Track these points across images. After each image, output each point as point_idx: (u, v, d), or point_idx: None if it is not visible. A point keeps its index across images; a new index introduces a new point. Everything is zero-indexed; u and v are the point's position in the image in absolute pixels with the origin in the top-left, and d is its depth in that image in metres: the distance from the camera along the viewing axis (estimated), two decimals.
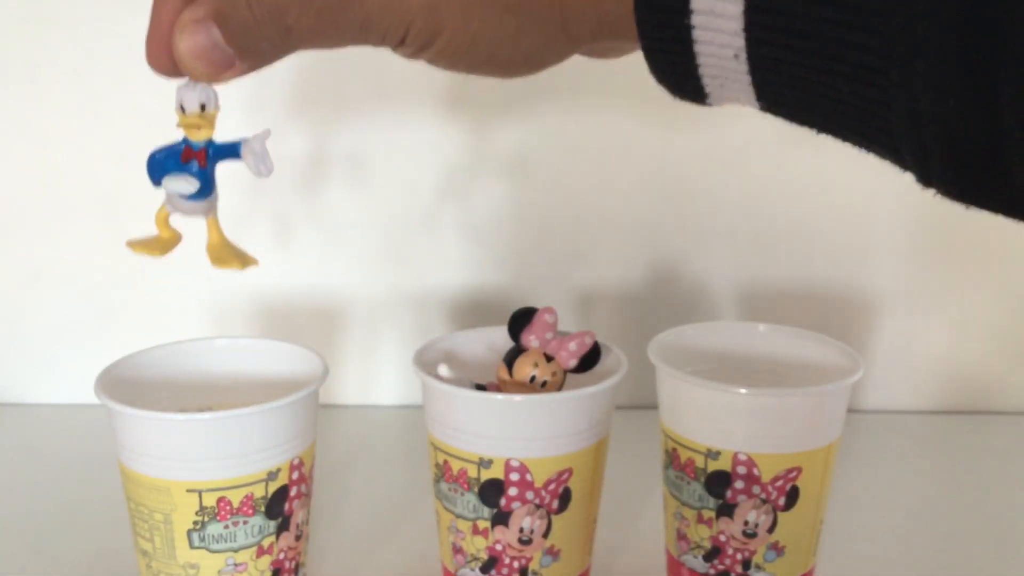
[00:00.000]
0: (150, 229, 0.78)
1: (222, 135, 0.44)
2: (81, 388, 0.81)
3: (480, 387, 0.51)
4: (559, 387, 0.52)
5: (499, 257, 0.80)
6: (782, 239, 0.79)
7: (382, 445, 0.77)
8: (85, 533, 0.63)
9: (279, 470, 0.48)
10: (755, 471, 0.50)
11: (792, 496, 0.51)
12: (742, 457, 0.50)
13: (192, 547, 0.47)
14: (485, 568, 0.51)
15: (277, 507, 0.49)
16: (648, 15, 0.30)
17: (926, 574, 0.60)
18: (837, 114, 0.29)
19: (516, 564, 0.50)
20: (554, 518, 0.50)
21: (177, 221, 0.45)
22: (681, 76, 0.32)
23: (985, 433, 0.79)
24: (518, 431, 0.48)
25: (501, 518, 0.49)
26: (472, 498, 0.50)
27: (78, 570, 0.59)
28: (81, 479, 0.69)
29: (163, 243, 0.46)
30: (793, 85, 0.29)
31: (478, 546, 0.51)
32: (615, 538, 0.61)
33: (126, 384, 0.51)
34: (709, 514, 0.52)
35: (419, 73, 0.75)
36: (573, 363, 0.52)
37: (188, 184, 0.42)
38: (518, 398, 0.48)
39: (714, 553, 0.52)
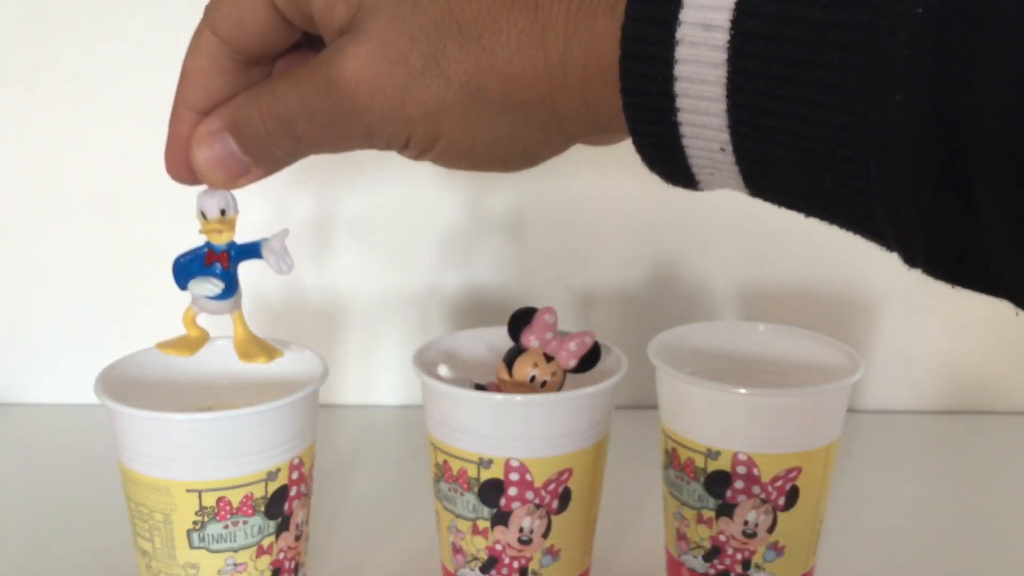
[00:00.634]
0: (150, 229, 0.78)
1: None
2: (81, 388, 0.81)
3: (480, 387, 0.51)
4: (559, 387, 0.52)
5: (499, 257, 0.80)
6: (782, 239, 0.79)
7: (382, 445, 0.77)
8: (85, 533, 0.63)
9: (279, 470, 0.48)
10: (755, 471, 0.50)
11: (792, 496, 0.51)
12: (742, 457, 0.50)
13: (192, 547, 0.47)
14: (485, 568, 0.51)
15: (277, 507, 0.49)
16: (636, 113, 0.32)
17: (926, 574, 0.60)
18: (822, 201, 0.31)
19: (516, 564, 0.50)
20: (554, 518, 0.50)
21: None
22: (671, 167, 0.33)
23: (985, 433, 0.79)
24: (518, 431, 0.48)
25: (501, 518, 0.49)
26: (472, 498, 0.50)
27: (78, 570, 0.59)
28: (81, 479, 0.69)
29: (192, 343, 0.48)
30: (779, 175, 0.30)
31: (478, 546, 0.51)
32: (615, 538, 0.61)
33: (126, 384, 0.51)
34: (709, 514, 0.52)
35: None
36: (573, 363, 0.52)
37: (213, 286, 0.45)
38: (518, 398, 0.48)
39: (714, 553, 0.52)
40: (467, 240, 0.79)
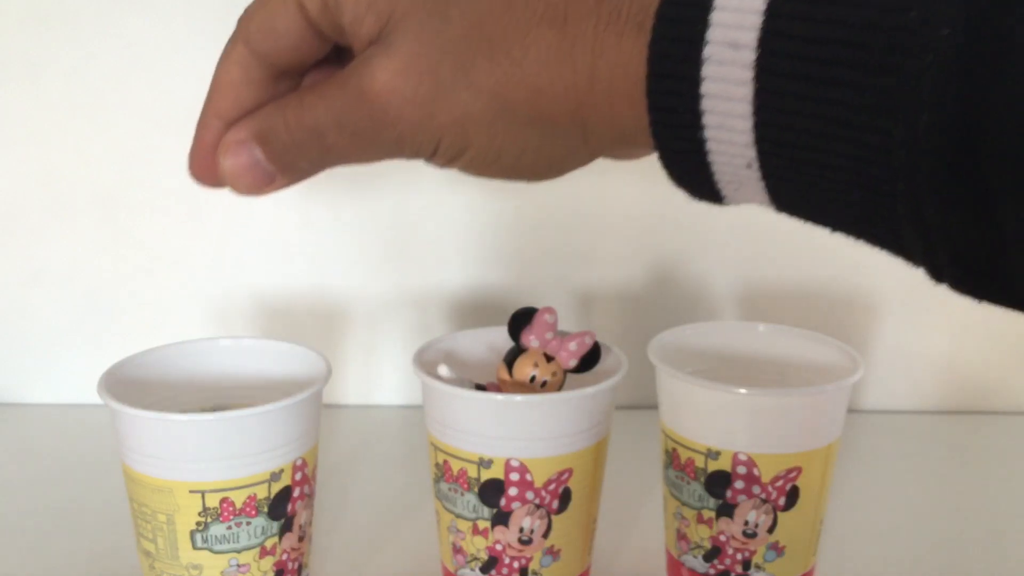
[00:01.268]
0: (150, 229, 0.78)
1: None
2: (81, 388, 0.82)
3: (480, 387, 0.51)
4: (559, 387, 0.52)
5: (499, 257, 0.80)
6: (782, 239, 0.79)
7: (383, 445, 0.77)
8: (85, 533, 0.63)
9: (282, 471, 0.48)
10: (755, 471, 0.50)
11: (792, 496, 0.51)
12: (742, 457, 0.50)
13: (195, 548, 0.48)
14: (485, 568, 0.51)
15: (280, 508, 0.49)
16: (663, 130, 0.32)
17: (926, 574, 0.60)
18: (849, 219, 0.31)
19: (516, 564, 0.50)
20: (554, 518, 0.50)
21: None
22: (697, 183, 0.34)
23: (985, 433, 0.79)
24: (518, 431, 0.48)
25: (501, 518, 0.49)
26: (472, 498, 0.50)
27: (78, 570, 0.59)
28: (81, 479, 0.69)
29: None
30: (805, 192, 0.31)
31: (478, 546, 0.51)
32: (615, 538, 0.61)
33: (129, 384, 0.51)
34: (709, 514, 0.52)
35: None
36: (573, 363, 0.52)
37: None
38: (518, 398, 0.48)
39: (714, 553, 0.52)
40: (467, 240, 0.79)
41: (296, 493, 0.49)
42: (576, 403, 0.49)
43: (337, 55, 0.40)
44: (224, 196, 0.80)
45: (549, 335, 0.52)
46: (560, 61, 0.34)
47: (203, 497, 0.47)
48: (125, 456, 0.48)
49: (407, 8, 0.35)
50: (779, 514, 0.51)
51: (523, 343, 0.52)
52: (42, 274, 0.80)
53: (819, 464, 0.51)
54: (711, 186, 0.33)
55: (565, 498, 0.50)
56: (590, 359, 0.52)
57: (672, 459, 0.53)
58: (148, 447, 0.47)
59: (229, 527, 0.47)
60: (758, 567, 0.52)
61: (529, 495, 0.49)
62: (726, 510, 0.51)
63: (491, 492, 0.49)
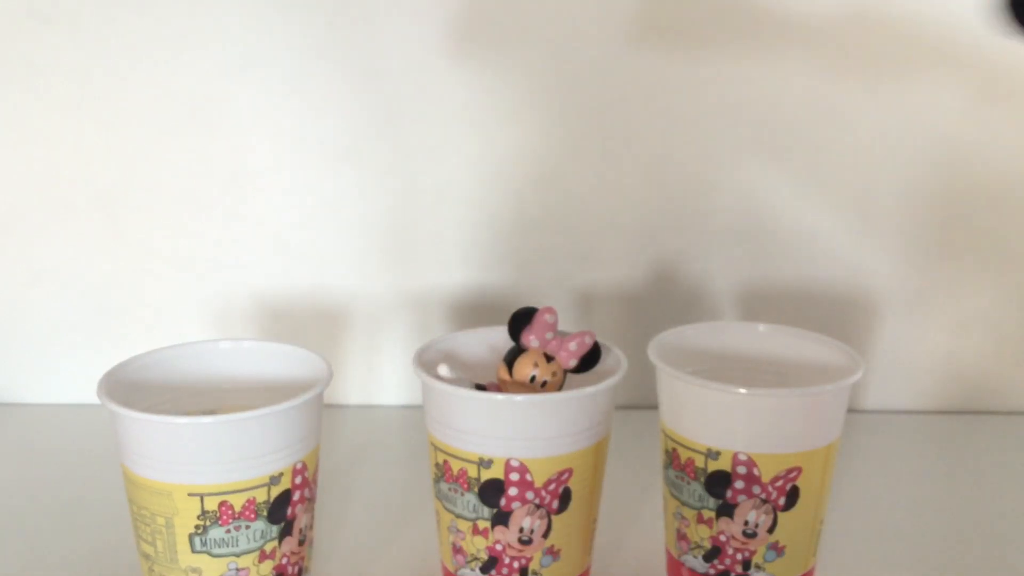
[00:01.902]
0: (150, 229, 0.78)
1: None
2: (81, 388, 0.82)
3: (480, 387, 0.52)
4: (559, 387, 0.52)
5: (500, 257, 0.80)
6: (782, 239, 0.79)
7: (384, 445, 0.77)
8: (85, 533, 0.63)
9: (282, 474, 0.48)
10: (755, 471, 0.50)
11: (792, 496, 0.51)
12: (742, 457, 0.50)
13: (194, 551, 0.47)
14: (485, 568, 0.51)
15: (280, 512, 0.48)
16: None
17: (926, 574, 0.60)
18: None
19: (516, 564, 0.50)
20: (554, 518, 0.50)
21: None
22: None
23: (985, 433, 0.79)
24: (518, 431, 0.48)
25: (501, 518, 0.49)
26: (472, 498, 0.50)
27: (78, 570, 0.59)
28: (81, 480, 0.69)
29: None
30: None
31: (478, 546, 0.51)
32: (615, 538, 0.61)
33: (129, 387, 0.51)
34: (709, 514, 0.52)
35: (419, 74, 0.75)
36: (573, 363, 0.52)
37: None
38: (518, 398, 0.48)
39: (714, 553, 0.52)
40: (467, 240, 0.79)
41: (296, 496, 0.49)
42: (576, 403, 0.49)
43: None
44: (224, 196, 0.80)
45: (549, 335, 0.52)
46: None
47: (202, 500, 0.46)
48: (125, 458, 0.48)
49: None
50: (779, 514, 0.51)
51: (523, 343, 0.52)
52: (42, 274, 0.80)
53: (819, 464, 0.51)
54: None
55: (565, 498, 0.50)
56: (590, 359, 0.52)
57: (672, 459, 0.53)
58: (147, 450, 0.47)
59: (228, 531, 0.47)
60: (758, 567, 0.52)
61: (529, 495, 0.49)
62: (726, 510, 0.51)
63: (491, 492, 0.49)
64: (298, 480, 0.49)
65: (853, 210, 0.78)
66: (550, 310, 0.53)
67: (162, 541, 0.48)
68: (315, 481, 0.52)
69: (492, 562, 0.51)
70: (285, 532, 0.49)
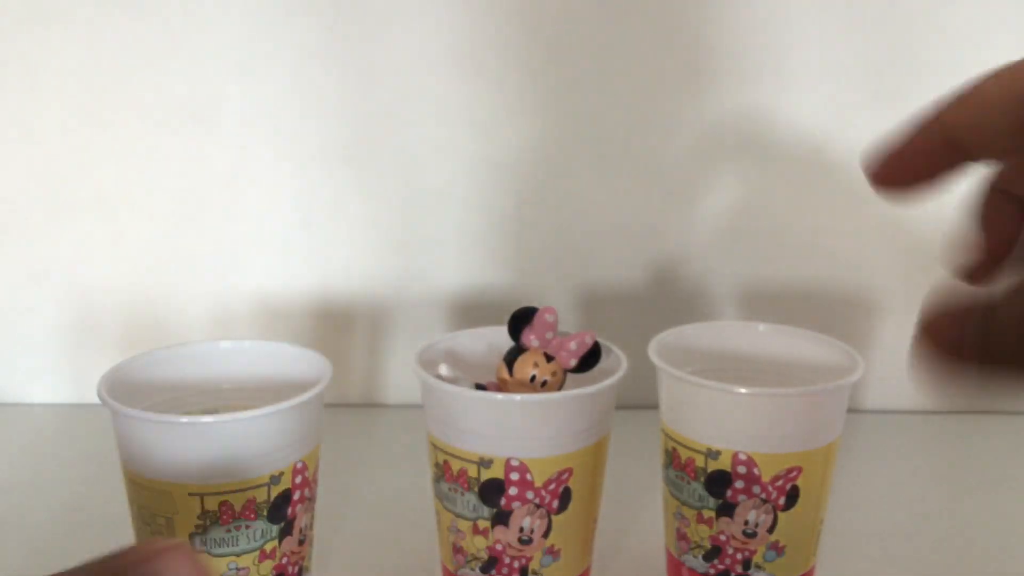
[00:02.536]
0: (150, 229, 0.78)
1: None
2: (81, 388, 0.82)
3: (480, 387, 0.52)
4: (559, 387, 0.52)
5: (501, 257, 0.80)
6: (782, 239, 0.79)
7: (385, 445, 0.77)
8: (85, 534, 0.63)
9: (282, 474, 0.48)
10: (755, 471, 0.50)
11: (792, 496, 0.51)
12: (742, 457, 0.50)
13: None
14: (485, 568, 0.51)
15: (280, 511, 0.48)
16: None
17: (926, 574, 0.60)
18: None
19: (516, 564, 0.50)
20: (554, 518, 0.50)
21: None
22: None
23: (985, 433, 0.79)
24: (518, 431, 0.48)
25: (501, 518, 0.49)
26: (472, 498, 0.50)
27: None
28: (81, 479, 0.69)
29: None
30: None
31: (478, 546, 0.51)
32: (615, 538, 0.61)
33: (130, 386, 0.51)
34: (709, 514, 0.52)
35: (419, 74, 0.75)
36: (573, 363, 0.52)
37: None
38: (518, 398, 0.48)
39: (714, 553, 0.52)
40: (468, 240, 0.79)
41: (296, 496, 0.49)
42: (576, 403, 0.49)
43: None
44: (224, 196, 0.80)
45: (549, 335, 0.52)
46: None
47: (202, 500, 0.46)
48: (125, 458, 0.48)
49: None
50: (779, 514, 0.51)
51: (523, 343, 0.52)
52: (42, 274, 0.80)
53: (819, 464, 0.51)
54: None
55: (565, 498, 0.50)
56: (590, 359, 0.52)
57: (672, 459, 0.53)
58: (148, 449, 0.46)
59: (228, 530, 0.47)
60: (758, 567, 0.52)
61: (529, 495, 0.49)
62: (726, 510, 0.51)
63: (491, 492, 0.49)
64: (298, 480, 0.49)
65: (853, 210, 0.78)
66: (550, 310, 0.53)
67: None
68: (315, 481, 0.51)
69: (492, 562, 0.51)
70: (285, 532, 0.49)
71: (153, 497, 0.47)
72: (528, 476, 0.48)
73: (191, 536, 0.47)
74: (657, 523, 0.58)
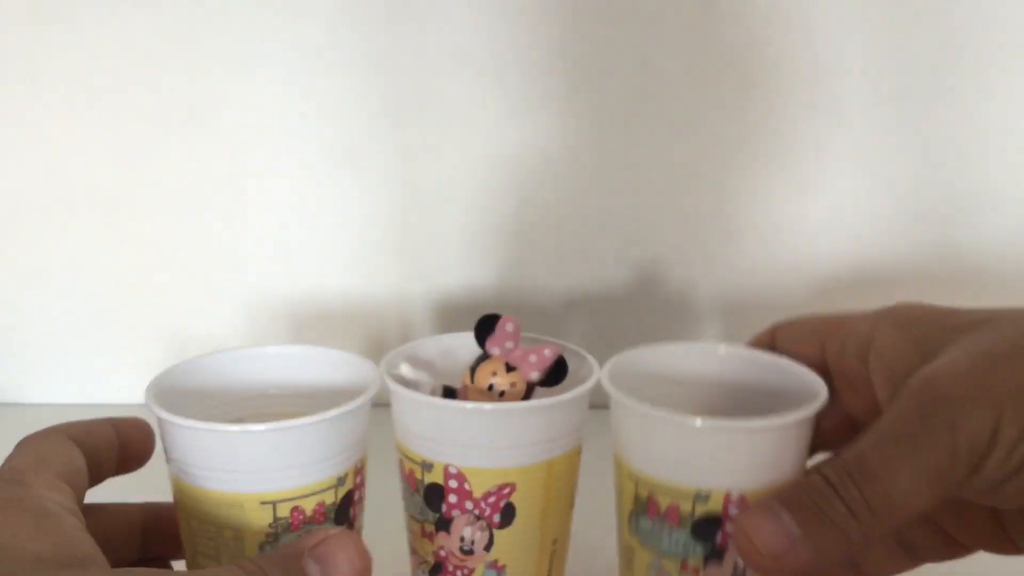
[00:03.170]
0: (150, 229, 0.78)
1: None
2: (81, 388, 0.82)
3: (449, 390, 0.51)
4: (520, 398, 0.50)
5: (501, 257, 0.79)
6: (779, 239, 0.78)
7: (384, 445, 0.76)
8: None
9: (346, 475, 0.47)
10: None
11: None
12: (734, 496, 0.44)
13: None
14: (433, 572, 0.50)
15: (344, 513, 0.47)
16: None
17: (926, 574, 0.57)
18: None
19: (460, 573, 0.49)
20: (496, 532, 0.48)
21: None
22: None
23: None
24: (455, 437, 0.46)
25: (443, 524, 0.48)
26: (419, 500, 0.49)
27: None
28: None
29: None
30: None
31: (427, 549, 0.50)
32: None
33: (175, 396, 0.48)
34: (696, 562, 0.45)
35: (419, 74, 0.75)
36: (535, 375, 0.50)
37: None
38: (452, 403, 0.47)
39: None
40: (467, 241, 0.79)
41: (356, 496, 0.48)
42: (517, 415, 0.46)
43: None
44: (224, 196, 0.80)
45: (509, 344, 0.51)
46: None
47: (274, 508, 0.45)
48: (183, 472, 0.46)
49: None
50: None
51: (487, 350, 0.51)
52: (42, 274, 0.80)
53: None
54: None
55: (508, 513, 0.48)
56: (556, 373, 0.51)
57: (647, 507, 0.46)
58: (215, 461, 0.44)
59: (299, 535, 0.45)
60: None
61: (468, 504, 0.47)
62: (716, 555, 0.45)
63: (433, 496, 0.48)
64: (358, 480, 0.48)
65: (851, 210, 0.76)
66: (511, 319, 0.51)
67: (228, 555, 0.46)
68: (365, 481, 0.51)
69: (438, 567, 0.50)
70: None
71: (220, 510, 0.45)
72: (466, 485, 0.47)
73: (260, 545, 0.45)
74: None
